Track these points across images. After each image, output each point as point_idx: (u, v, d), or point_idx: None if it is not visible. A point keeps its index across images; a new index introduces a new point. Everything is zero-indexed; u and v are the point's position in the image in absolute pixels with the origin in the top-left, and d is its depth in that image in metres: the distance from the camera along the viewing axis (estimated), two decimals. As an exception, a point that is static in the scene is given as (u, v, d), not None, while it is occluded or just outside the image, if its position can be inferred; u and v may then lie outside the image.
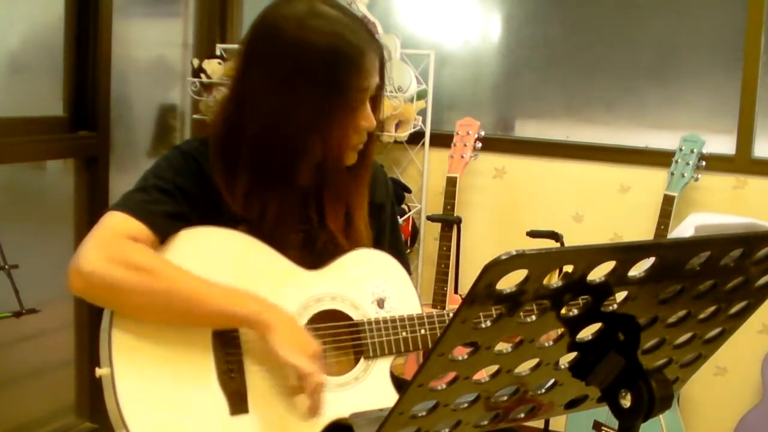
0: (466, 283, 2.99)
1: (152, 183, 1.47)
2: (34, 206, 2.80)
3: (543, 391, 1.03)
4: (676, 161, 2.75)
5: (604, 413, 2.71)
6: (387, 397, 1.49)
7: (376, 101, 1.53)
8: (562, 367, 1.00)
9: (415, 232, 3.16)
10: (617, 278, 0.91)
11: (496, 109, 3.38)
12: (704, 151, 2.74)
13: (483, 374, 0.96)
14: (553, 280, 0.87)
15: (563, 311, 0.91)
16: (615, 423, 1.04)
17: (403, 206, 3.10)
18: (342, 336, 1.52)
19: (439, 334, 1.46)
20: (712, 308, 1.03)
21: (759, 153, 2.87)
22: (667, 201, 2.71)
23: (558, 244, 2.63)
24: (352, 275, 1.56)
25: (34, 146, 2.66)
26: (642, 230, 2.92)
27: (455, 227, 2.94)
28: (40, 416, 2.80)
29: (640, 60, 3.07)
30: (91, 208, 2.78)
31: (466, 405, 0.98)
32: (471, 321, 0.86)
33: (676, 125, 2.99)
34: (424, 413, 0.95)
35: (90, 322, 2.79)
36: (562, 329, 0.94)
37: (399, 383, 1.52)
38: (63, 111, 2.76)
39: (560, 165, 3.11)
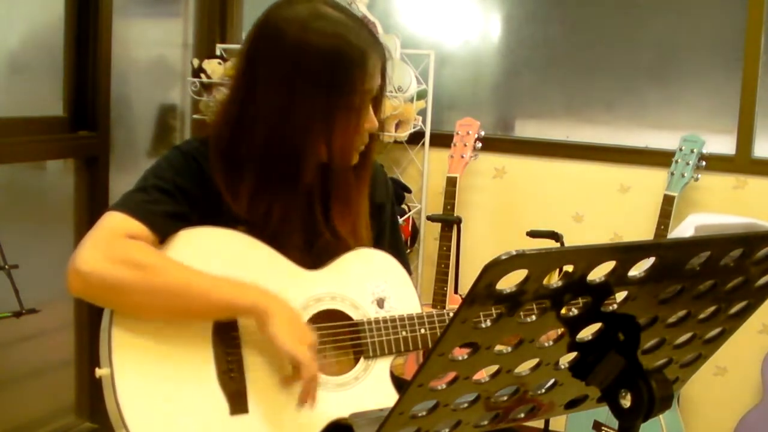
0: (466, 283, 2.99)
1: (152, 183, 1.47)
2: (34, 206, 2.80)
3: (543, 391, 1.03)
4: (676, 161, 2.75)
5: (604, 413, 2.71)
6: (387, 397, 1.49)
7: (377, 102, 1.53)
8: (562, 367, 1.00)
9: (415, 232, 3.16)
10: (617, 278, 0.91)
11: (496, 109, 3.38)
12: (704, 151, 2.73)
13: (483, 374, 0.96)
14: (553, 280, 0.87)
15: (563, 311, 0.91)
16: (615, 423, 1.04)
17: (403, 206, 3.09)
18: (342, 336, 1.52)
19: (439, 334, 1.47)
20: (712, 308, 1.03)
21: (759, 153, 2.87)
22: (667, 201, 2.71)
23: (558, 244, 2.63)
24: (352, 275, 1.56)
25: (34, 146, 2.66)
26: (642, 230, 2.92)
27: (455, 227, 2.94)
28: (40, 416, 2.80)
29: (640, 60, 3.07)
30: (91, 208, 2.78)
31: (466, 405, 0.98)
32: (471, 321, 0.86)
33: (676, 125, 2.99)
34: (424, 413, 0.95)
35: (90, 322, 2.79)
36: (562, 329, 0.94)
37: (399, 383, 1.53)
38: (63, 111, 2.76)
39: (560, 165, 3.11)
